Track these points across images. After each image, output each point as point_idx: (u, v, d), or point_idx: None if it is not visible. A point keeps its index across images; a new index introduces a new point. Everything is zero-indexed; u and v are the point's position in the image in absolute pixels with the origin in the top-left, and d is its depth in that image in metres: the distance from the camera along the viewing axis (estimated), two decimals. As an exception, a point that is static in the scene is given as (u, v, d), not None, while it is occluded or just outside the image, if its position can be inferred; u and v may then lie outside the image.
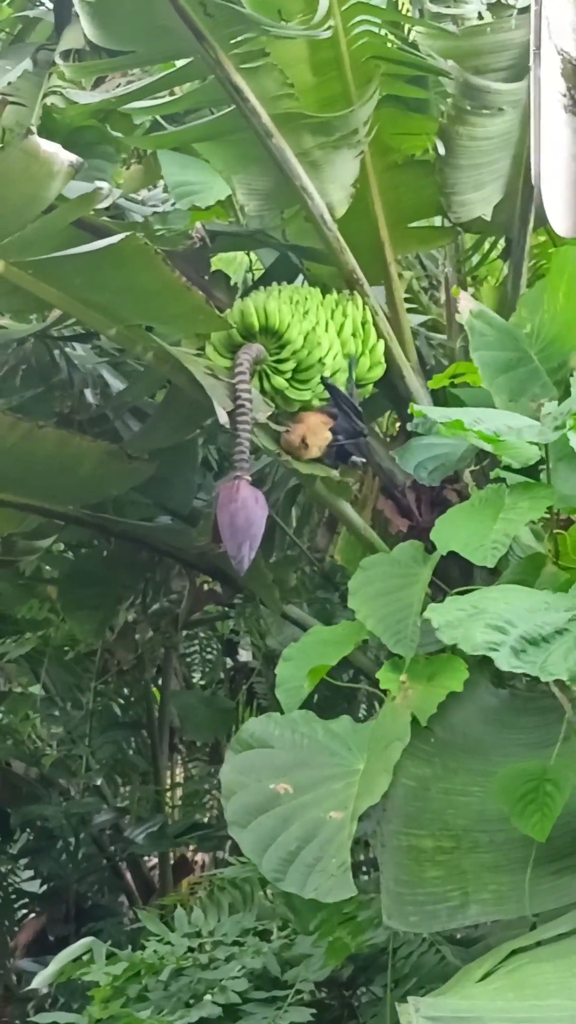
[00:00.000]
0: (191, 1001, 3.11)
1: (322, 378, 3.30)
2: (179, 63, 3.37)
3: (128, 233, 2.90)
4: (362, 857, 4.05)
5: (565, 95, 3.42)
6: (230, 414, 3.08)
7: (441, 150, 3.52)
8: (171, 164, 3.48)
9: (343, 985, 3.43)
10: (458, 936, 3.24)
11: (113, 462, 3.56)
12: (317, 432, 3.23)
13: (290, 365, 3.30)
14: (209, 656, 5.43)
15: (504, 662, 2.23)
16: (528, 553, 3.03)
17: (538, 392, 2.93)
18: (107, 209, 3.67)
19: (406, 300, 4.10)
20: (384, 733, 2.67)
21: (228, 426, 3.05)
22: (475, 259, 4.32)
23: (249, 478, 3.05)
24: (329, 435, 3.25)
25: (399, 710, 2.66)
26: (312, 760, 2.75)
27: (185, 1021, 2.95)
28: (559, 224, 3.46)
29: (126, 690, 5.22)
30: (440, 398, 3.53)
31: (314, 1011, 3.03)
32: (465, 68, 3.35)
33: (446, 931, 3.16)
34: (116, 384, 4.18)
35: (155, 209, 3.56)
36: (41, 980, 3.29)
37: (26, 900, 5.22)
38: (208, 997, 3.03)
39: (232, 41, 3.13)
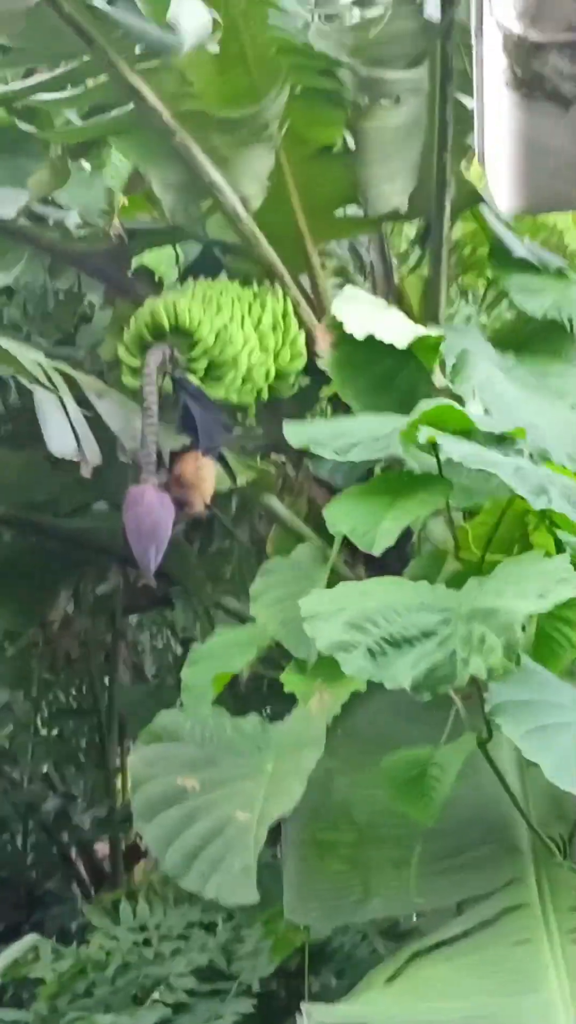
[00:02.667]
0: (138, 995, 3.20)
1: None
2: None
3: None
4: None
5: (506, 71, 3.45)
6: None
7: (350, 145, 3.56)
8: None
9: (290, 975, 3.49)
10: (399, 926, 3.31)
11: (35, 470, 3.62)
12: (197, 481, 3.22)
13: (202, 364, 3.34)
14: (158, 645, 5.48)
15: (352, 665, 2.24)
16: (438, 544, 3.10)
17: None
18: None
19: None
20: (295, 737, 2.73)
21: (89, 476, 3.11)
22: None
23: (156, 481, 3.11)
24: (208, 470, 3.24)
25: (313, 715, 2.71)
26: (220, 758, 2.82)
27: (138, 1024, 3.02)
28: (502, 201, 3.50)
29: (77, 680, 5.27)
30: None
31: (258, 1002, 3.12)
32: (361, 62, 3.38)
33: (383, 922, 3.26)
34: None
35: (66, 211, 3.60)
36: None
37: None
38: (156, 995, 3.10)
39: (125, 43, 3.17)
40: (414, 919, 3.09)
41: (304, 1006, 2.17)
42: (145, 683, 5.33)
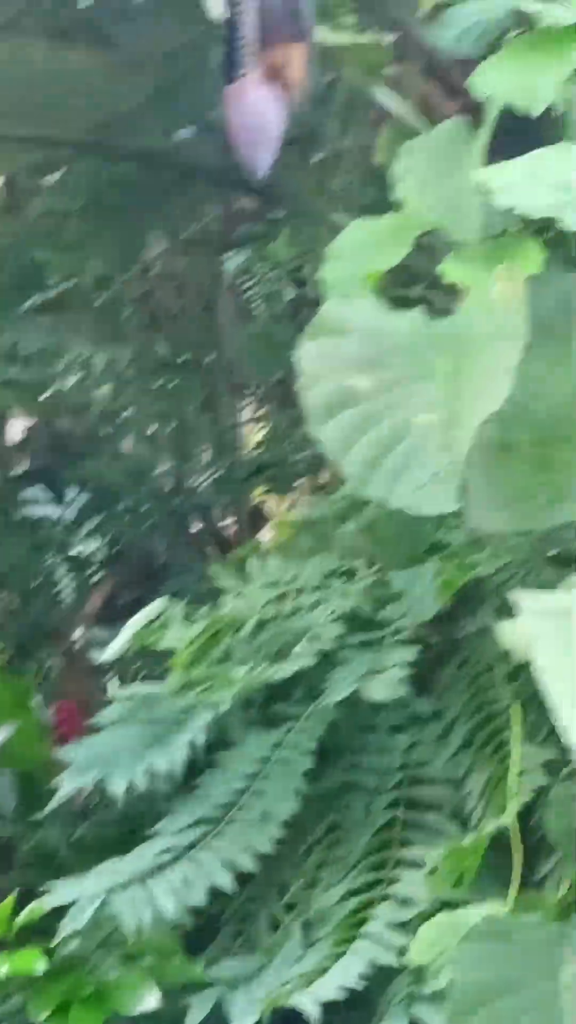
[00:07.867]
0: (281, 651, 3.17)
1: None
2: None
3: None
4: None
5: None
6: None
7: None
8: None
9: (444, 619, 3.48)
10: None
11: (113, 73, 3.48)
12: (292, 70, 2.94)
13: None
14: (267, 288, 5.29)
15: (573, 222, 2.19)
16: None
17: None
18: None
19: None
20: (476, 332, 2.55)
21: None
22: None
23: (258, 72, 2.87)
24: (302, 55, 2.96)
25: (501, 304, 2.50)
26: (389, 357, 2.63)
27: (279, 676, 3.03)
28: None
29: (177, 334, 5.12)
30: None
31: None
32: None
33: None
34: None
35: None
36: (111, 652, 3.34)
37: (92, 568, 5.22)
38: (298, 648, 3.08)
39: None
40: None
41: (512, 594, 2.13)
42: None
